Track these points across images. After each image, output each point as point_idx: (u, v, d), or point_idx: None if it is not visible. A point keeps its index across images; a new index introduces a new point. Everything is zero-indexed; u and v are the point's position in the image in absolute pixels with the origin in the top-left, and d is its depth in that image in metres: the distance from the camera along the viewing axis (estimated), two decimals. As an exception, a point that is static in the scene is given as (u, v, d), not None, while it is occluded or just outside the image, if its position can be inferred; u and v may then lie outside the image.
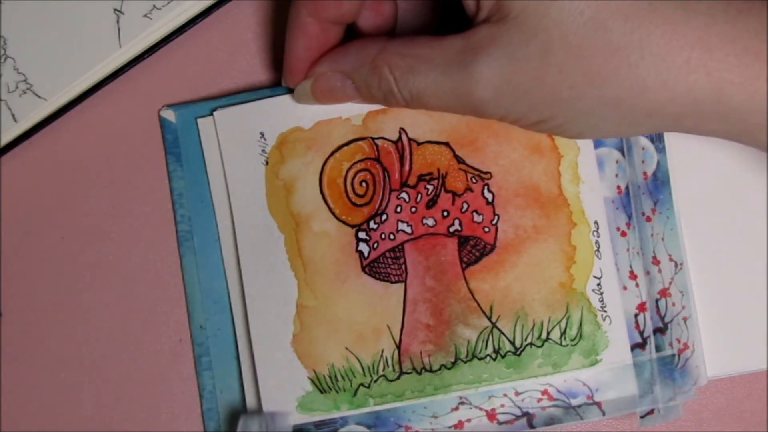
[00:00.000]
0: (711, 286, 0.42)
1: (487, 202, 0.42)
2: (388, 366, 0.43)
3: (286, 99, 0.43)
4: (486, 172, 0.43)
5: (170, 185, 0.45)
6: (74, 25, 0.43)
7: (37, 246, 0.45)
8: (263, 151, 0.43)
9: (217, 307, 0.44)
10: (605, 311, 0.42)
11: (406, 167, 0.43)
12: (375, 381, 0.43)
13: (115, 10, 0.43)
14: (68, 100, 0.43)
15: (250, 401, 0.44)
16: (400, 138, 0.43)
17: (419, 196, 0.43)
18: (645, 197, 0.43)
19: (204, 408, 0.44)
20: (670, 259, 0.42)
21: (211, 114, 0.44)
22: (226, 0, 0.44)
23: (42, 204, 0.46)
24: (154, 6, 0.43)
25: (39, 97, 0.43)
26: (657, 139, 0.43)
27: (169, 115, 0.45)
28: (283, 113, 0.43)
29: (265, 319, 0.43)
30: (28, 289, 0.45)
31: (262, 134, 0.43)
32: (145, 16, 0.43)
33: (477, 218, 0.42)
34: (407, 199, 0.43)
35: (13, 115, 0.43)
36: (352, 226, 0.43)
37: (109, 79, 0.44)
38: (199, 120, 0.44)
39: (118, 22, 0.43)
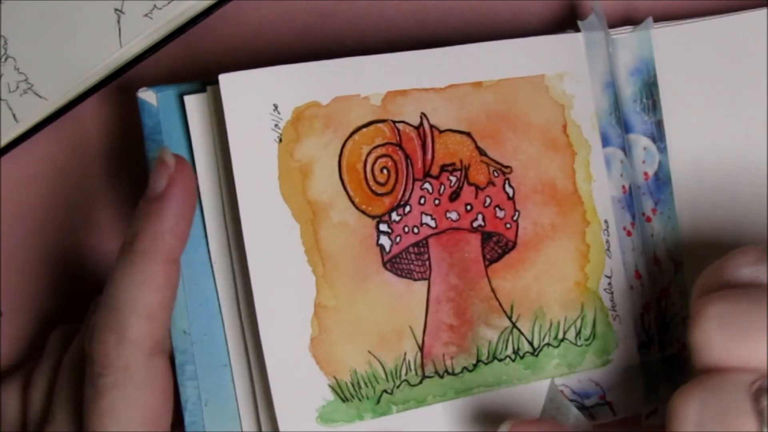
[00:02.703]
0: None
1: (508, 198, 0.41)
2: (410, 370, 0.39)
3: (302, 68, 0.38)
4: (507, 166, 0.41)
5: (149, 176, 0.38)
6: (75, 25, 0.42)
7: (37, 246, 0.44)
8: (276, 126, 0.38)
9: (204, 310, 0.38)
10: (615, 311, 0.42)
11: (429, 156, 0.40)
12: (398, 386, 0.39)
13: (116, 9, 0.42)
14: (69, 99, 0.42)
15: (245, 413, 0.38)
16: (421, 123, 0.40)
17: (442, 187, 0.40)
18: (645, 197, 0.43)
19: (187, 422, 0.38)
20: (671, 260, 0.43)
21: (203, 90, 0.38)
22: (226, 0, 0.42)
23: (42, 204, 0.44)
24: (155, 6, 0.42)
25: (40, 96, 0.42)
26: (659, 139, 0.44)
27: (149, 96, 0.38)
28: (299, 84, 0.38)
29: (279, 321, 0.37)
30: (28, 289, 0.43)
31: (276, 107, 0.38)
32: (146, 15, 0.42)
33: (499, 213, 0.40)
34: (430, 190, 0.40)
35: (13, 115, 0.42)
36: (373, 217, 0.39)
37: (110, 78, 0.42)
38: (186, 97, 0.38)
39: (118, 21, 0.42)
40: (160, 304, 0.35)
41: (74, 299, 0.44)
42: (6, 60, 0.42)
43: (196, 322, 0.38)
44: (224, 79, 0.37)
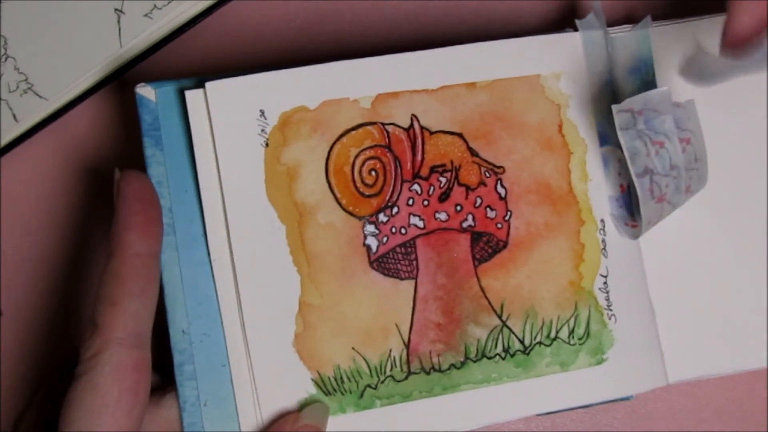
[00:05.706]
0: (711, 286, 0.43)
1: (500, 198, 0.41)
2: (395, 366, 0.40)
3: (289, 73, 0.39)
4: (499, 167, 0.41)
5: (147, 172, 0.39)
6: (75, 25, 0.42)
7: (37, 246, 0.44)
8: (263, 131, 0.39)
9: (203, 310, 0.39)
10: (611, 310, 0.42)
11: (419, 157, 0.41)
12: (382, 382, 0.40)
13: (116, 9, 0.42)
14: (69, 99, 0.43)
15: (245, 412, 0.39)
16: (411, 125, 0.40)
17: (432, 188, 0.40)
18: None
19: (185, 422, 0.39)
20: (671, 259, 0.43)
21: (201, 86, 0.39)
22: (226, 0, 0.43)
23: (42, 204, 0.44)
24: (155, 6, 0.42)
25: (40, 96, 0.42)
26: (661, 140, 0.43)
27: (148, 92, 0.39)
28: (287, 90, 0.39)
29: (263, 318, 0.39)
30: (28, 289, 0.44)
31: (262, 112, 0.39)
32: (146, 15, 0.42)
33: (490, 214, 0.41)
34: (419, 192, 0.40)
35: (13, 115, 0.42)
36: (360, 218, 0.40)
37: (110, 78, 0.42)
38: (187, 93, 0.39)
39: (118, 21, 0.42)
40: (123, 294, 0.36)
41: (74, 299, 0.44)
42: (6, 60, 0.42)
43: (195, 322, 0.39)
44: (211, 86, 0.39)
